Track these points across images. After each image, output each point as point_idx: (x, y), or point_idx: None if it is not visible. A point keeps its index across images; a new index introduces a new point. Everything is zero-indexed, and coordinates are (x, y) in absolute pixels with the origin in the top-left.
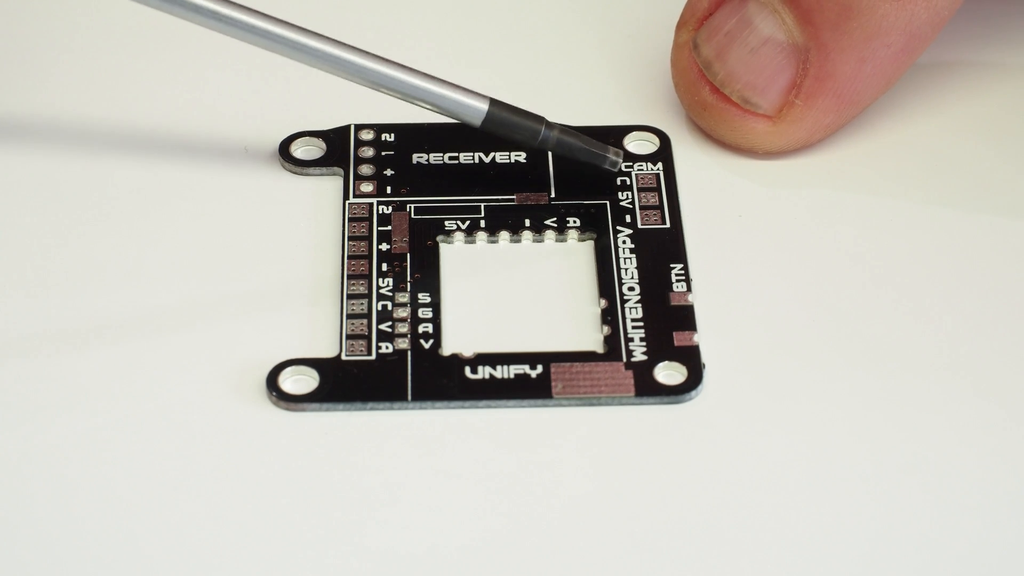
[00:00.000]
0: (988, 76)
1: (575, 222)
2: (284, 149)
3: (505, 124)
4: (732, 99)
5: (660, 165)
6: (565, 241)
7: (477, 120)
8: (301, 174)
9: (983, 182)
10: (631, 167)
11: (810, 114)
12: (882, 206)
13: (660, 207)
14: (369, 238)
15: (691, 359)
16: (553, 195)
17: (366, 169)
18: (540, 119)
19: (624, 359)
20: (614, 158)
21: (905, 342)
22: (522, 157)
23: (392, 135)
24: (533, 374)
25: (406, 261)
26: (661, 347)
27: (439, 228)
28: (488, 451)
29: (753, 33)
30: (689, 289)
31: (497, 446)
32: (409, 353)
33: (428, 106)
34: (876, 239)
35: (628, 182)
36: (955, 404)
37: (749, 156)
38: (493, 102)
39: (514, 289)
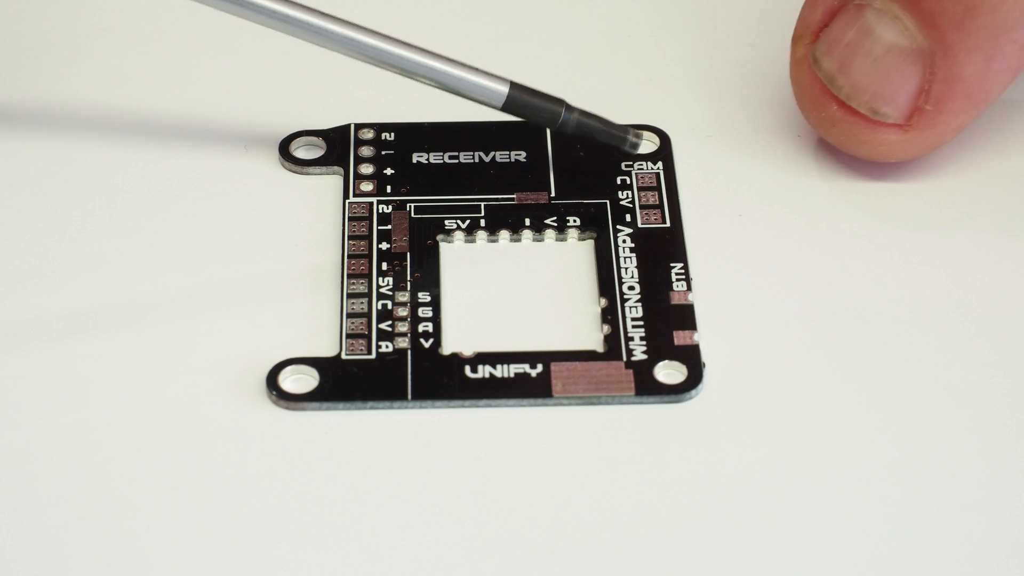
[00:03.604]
0: None
1: (575, 221)
2: (284, 148)
3: (525, 106)
4: (860, 111)
5: (660, 164)
6: (565, 241)
7: (498, 102)
8: (301, 173)
9: (980, 182)
10: (631, 167)
11: (942, 118)
12: (882, 205)
13: (660, 206)
14: (369, 237)
15: (691, 358)
16: (553, 194)
17: (366, 168)
18: (560, 101)
19: (624, 358)
20: (634, 139)
21: (905, 341)
22: (522, 156)
23: (392, 134)
24: (533, 373)
25: (406, 260)
26: (661, 346)
27: (439, 227)
28: (488, 451)
29: (875, 42)
30: (689, 288)
31: (497, 446)
32: (409, 352)
33: (448, 89)
34: (876, 238)
35: (628, 181)
36: (955, 403)
37: (878, 166)
38: (513, 85)
39: (514, 288)
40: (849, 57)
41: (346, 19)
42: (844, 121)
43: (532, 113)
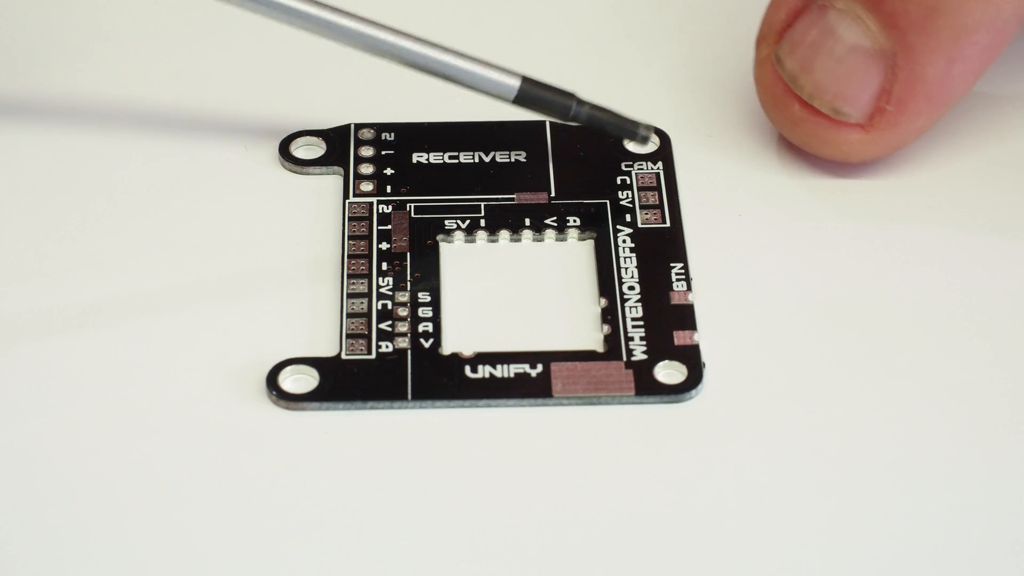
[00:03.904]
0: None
1: (575, 222)
2: (284, 148)
3: (536, 100)
4: (822, 111)
5: (660, 164)
6: (565, 241)
7: (509, 96)
8: (301, 173)
9: (976, 185)
10: (631, 167)
11: (903, 119)
12: (882, 205)
13: (660, 206)
14: (369, 237)
15: (691, 358)
16: (553, 194)
17: (366, 168)
18: (570, 95)
19: (624, 358)
20: (644, 133)
21: (905, 341)
22: (522, 157)
23: (392, 134)
24: (533, 373)
25: (406, 260)
26: (661, 346)
27: (439, 227)
28: (488, 451)
29: (837, 42)
30: (689, 288)
31: (497, 446)
32: (409, 352)
33: (460, 83)
34: (876, 238)
35: (628, 181)
36: (955, 402)
37: (842, 170)
38: (525, 79)
39: (514, 288)
40: (811, 57)
41: (357, 14)
42: (806, 121)
43: (543, 106)
